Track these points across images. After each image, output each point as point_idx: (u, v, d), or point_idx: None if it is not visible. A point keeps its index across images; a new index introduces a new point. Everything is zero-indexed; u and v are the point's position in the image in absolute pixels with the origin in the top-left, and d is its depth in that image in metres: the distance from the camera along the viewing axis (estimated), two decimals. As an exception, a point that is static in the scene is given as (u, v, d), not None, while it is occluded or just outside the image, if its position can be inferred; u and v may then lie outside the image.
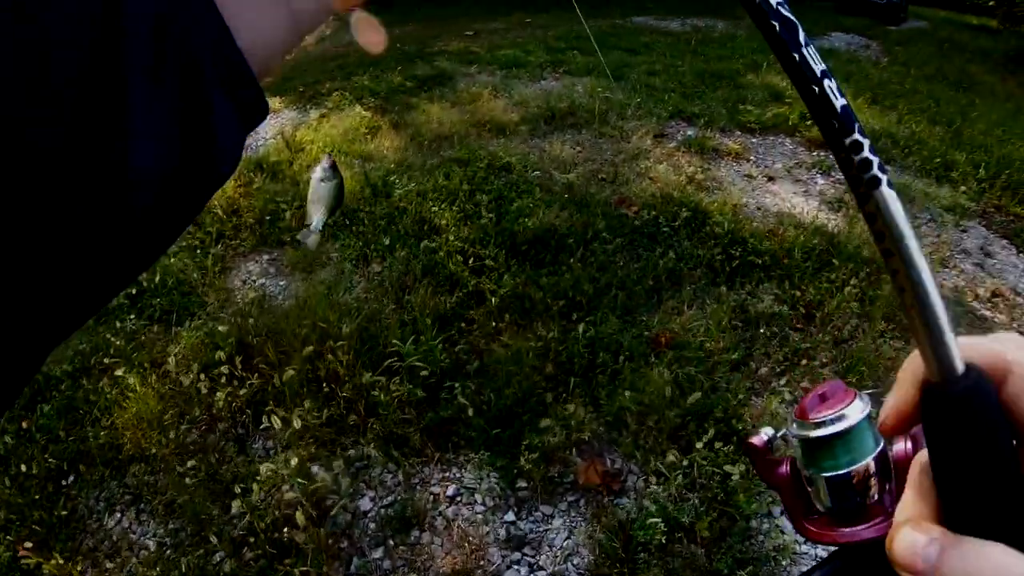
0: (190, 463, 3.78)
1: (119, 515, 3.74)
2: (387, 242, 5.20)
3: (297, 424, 3.61)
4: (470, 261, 4.81)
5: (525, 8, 14.89)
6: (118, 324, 4.90)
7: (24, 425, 4.38)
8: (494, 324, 4.28)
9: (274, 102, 8.80)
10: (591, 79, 8.88)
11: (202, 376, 4.16)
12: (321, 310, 4.30)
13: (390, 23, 14.05)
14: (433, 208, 5.53)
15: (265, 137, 7.73)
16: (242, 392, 3.99)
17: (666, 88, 8.58)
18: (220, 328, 4.37)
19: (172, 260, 5.53)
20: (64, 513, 3.69)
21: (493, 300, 4.40)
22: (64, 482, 3.93)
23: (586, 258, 4.89)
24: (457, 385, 3.83)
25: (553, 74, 9.38)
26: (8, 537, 3.57)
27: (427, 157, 6.59)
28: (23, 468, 3.90)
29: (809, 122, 7.58)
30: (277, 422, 3.60)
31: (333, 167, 2.28)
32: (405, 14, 14.76)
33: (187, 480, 3.73)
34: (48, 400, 4.48)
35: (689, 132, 7.31)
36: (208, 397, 4.04)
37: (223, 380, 4.06)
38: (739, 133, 7.49)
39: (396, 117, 7.66)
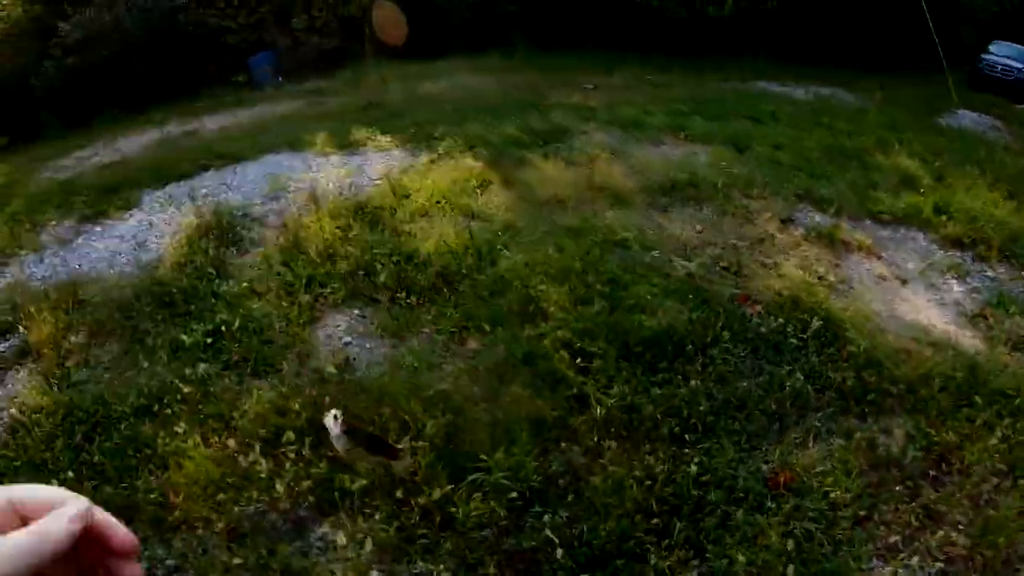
0: (240, 548, 3.41)
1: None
2: (487, 317, 4.82)
3: (368, 547, 3.22)
4: (578, 359, 4.34)
5: (644, 64, 14.48)
6: (188, 370, 4.60)
7: (81, 457, 4.14)
8: (596, 439, 3.80)
9: (384, 140, 8.56)
10: (713, 148, 8.36)
11: (268, 451, 3.82)
12: (404, 399, 3.91)
13: (509, 68, 13.80)
14: (541, 286, 5.10)
15: (371, 178, 7.46)
16: (307, 481, 3.62)
17: (793, 165, 7.96)
18: (294, 405, 4.00)
19: (257, 303, 5.24)
20: None
21: (599, 410, 3.92)
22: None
23: (704, 366, 4.38)
24: (547, 515, 3.37)
25: (673, 139, 8.84)
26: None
27: (538, 221, 6.19)
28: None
29: (944, 216, 6.95)
30: (343, 538, 3.21)
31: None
32: (524, 60, 14.53)
33: (235, 560, 3.37)
34: (107, 436, 4.23)
35: (817, 219, 6.66)
36: (271, 477, 3.67)
37: (289, 461, 3.70)
38: (869, 223, 6.84)
39: (508, 172, 7.33)
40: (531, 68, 13.97)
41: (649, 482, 3.51)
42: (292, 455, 3.72)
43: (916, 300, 5.59)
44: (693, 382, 4.20)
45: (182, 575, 3.40)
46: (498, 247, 5.70)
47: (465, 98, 10.88)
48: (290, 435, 3.79)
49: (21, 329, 5.48)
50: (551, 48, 15.68)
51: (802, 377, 4.34)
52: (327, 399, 4.01)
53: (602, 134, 8.81)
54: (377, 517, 3.36)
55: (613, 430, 3.85)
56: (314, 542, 3.43)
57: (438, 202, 6.59)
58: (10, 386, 5.04)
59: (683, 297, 5.02)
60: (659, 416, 3.92)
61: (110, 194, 8.14)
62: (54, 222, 7.71)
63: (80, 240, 7.19)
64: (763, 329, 4.73)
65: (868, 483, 3.74)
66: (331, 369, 4.35)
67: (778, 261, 5.76)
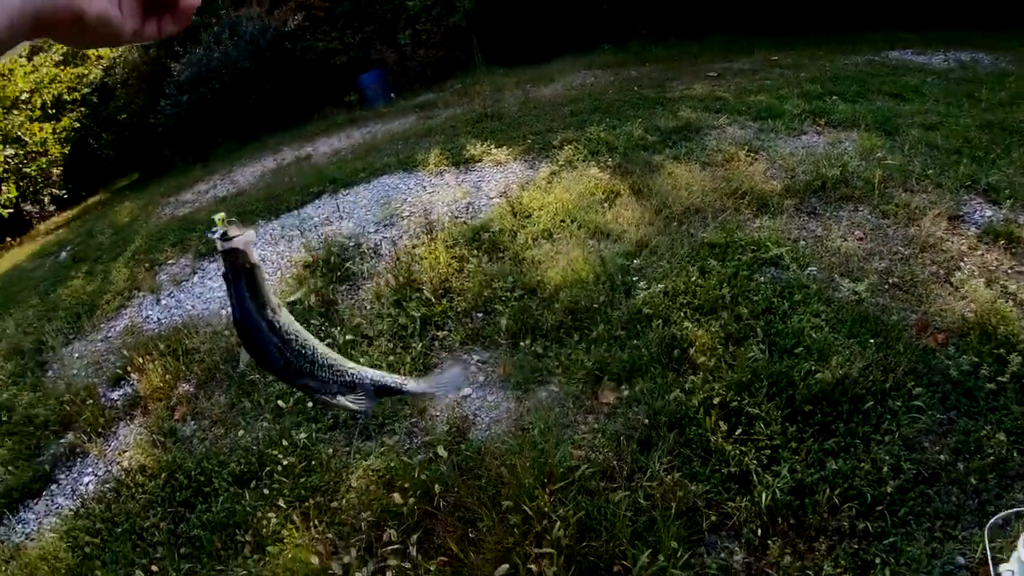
0: None
1: None
2: (623, 364, 4.12)
3: None
4: (734, 424, 3.53)
5: (768, 46, 13.39)
6: (291, 436, 4.23)
7: (179, 528, 3.92)
8: (760, 533, 3.02)
9: (501, 153, 8.00)
10: (860, 134, 7.31)
11: (371, 543, 3.36)
12: (529, 486, 3.26)
13: (625, 63, 13.01)
14: (685, 323, 4.33)
15: (489, 196, 6.90)
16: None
17: (950, 148, 6.81)
18: (396, 498, 3.45)
19: (367, 350, 4.78)
20: None
21: (763, 495, 3.12)
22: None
23: (886, 426, 3.49)
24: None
25: (814, 126, 7.81)
26: None
27: (675, 237, 5.42)
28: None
29: None
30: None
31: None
32: (640, 52, 13.68)
33: None
34: (208, 506, 3.96)
35: (989, 213, 5.59)
36: None
37: (391, 569, 3.16)
38: (1050, 215, 5.73)
39: (637, 180, 6.55)
40: (647, 60, 13.04)
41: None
42: (395, 560, 3.18)
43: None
44: (875, 450, 3.34)
45: None
46: (632, 275, 4.99)
47: (582, 99, 10.16)
48: (392, 534, 3.27)
49: (133, 377, 5.40)
50: (666, 37, 14.77)
51: (1003, 436, 3.37)
52: (437, 488, 3.45)
53: (736, 127, 7.91)
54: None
55: (780, 520, 3.07)
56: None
57: (562, 221, 5.96)
58: (122, 438, 4.96)
59: (853, 330, 4.13)
60: (837, 500, 3.09)
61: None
62: (171, 260, 7.81)
63: (195, 279, 7.15)
64: (952, 371, 3.77)
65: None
66: (442, 451, 3.75)
67: (954, 272, 4.76)
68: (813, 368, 3.75)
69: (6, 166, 13.83)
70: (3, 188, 14.08)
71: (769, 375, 3.75)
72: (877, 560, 2.83)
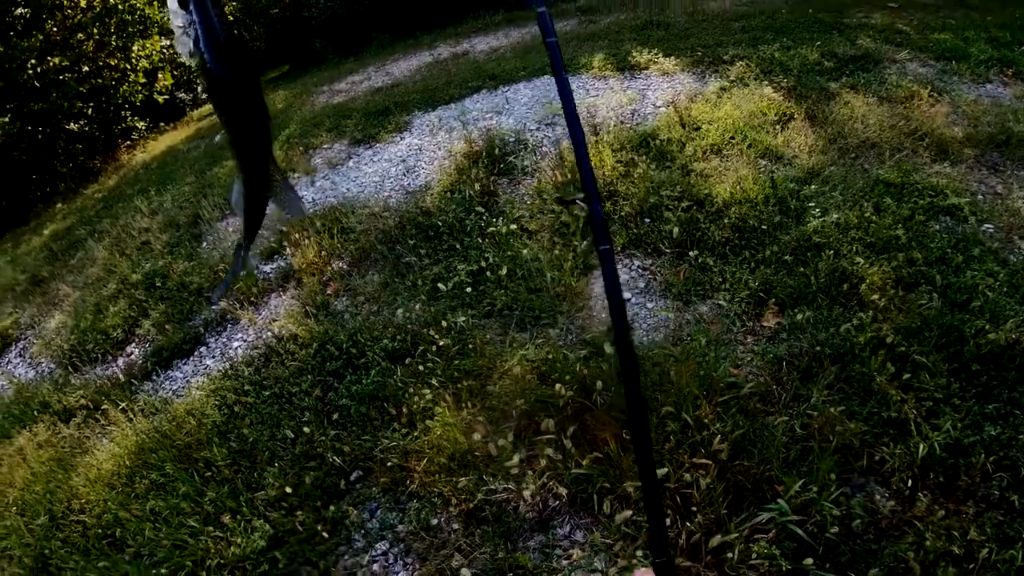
0: (474, 537, 3.13)
1: (384, 549, 3.24)
2: (790, 289, 4.07)
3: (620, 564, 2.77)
4: (900, 370, 3.42)
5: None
6: (447, 319, 4.34)
7: (327, 397, 4.10)
8: (910, 484, 2.94)
9: (668, 63, 7.82)
10: None
11: (525, 430, 3.48)
12: (691, 396, 3.27)
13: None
14: (857, 258, 4.19)
15: (655, 105, 6.80)
16: (564, 479, 3.20)
17: None
18: (558, 388, 3.53)
19: (527, 244, 4.85)
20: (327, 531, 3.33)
21: (920, 445, 3.02)
22: (344, 484, 3.56)
23: None
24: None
25: (1001, 75, 7.26)
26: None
27: (849, 169, 5.24)
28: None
29: None
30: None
31: None
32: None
33: (470, 546, 3.09)
34: (357, 378, 4.13)
35: None
36: (522, 470, 3.29)
37: (545, 458, 3.27)
38: None
39: (812, 106, 6.31)
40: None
41: (967, 564, 2.63)
42: (550, 449, 3.28)
43: None
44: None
45: (409, 552, 3.18)
46: (804, 201, 4.83)
47: (753, 16, 9.74)
48: (549, 424, 3.36)
49: (288, 252, 5.60)
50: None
51: None
52: (598, 384, 3.50)
53: (917, 64, 7.44)
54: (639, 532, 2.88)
55: (932, 475, 2.98)
56: (560, 542, 3.05)
57: (732, 137, 5.81)
58: (273, 308, 5.19)
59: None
60: (990, 467, 2.97)
61: (380, 117, 8.25)
62: (326, 145, 7.98)
63: (350, 163, 7.30)
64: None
65: None
66: (608, 348, 3.74)
67: None
68: (985, 327, 3.58)
69: (162, 56, 14.32)
70: (159, 76, 14.68)
71: (940, 325, 3.62)
72: (1021, 536, 2.72)
